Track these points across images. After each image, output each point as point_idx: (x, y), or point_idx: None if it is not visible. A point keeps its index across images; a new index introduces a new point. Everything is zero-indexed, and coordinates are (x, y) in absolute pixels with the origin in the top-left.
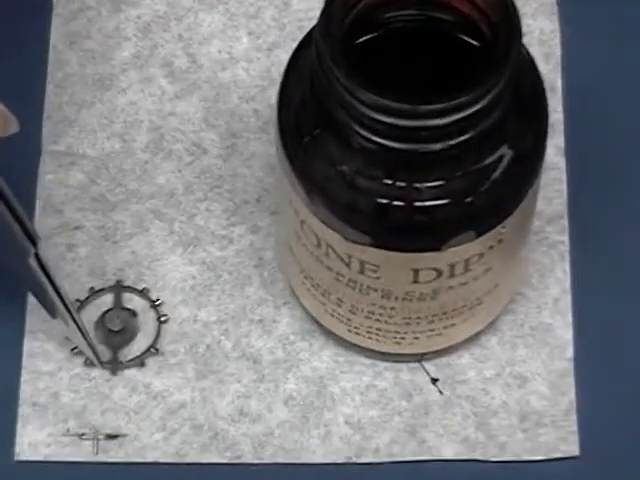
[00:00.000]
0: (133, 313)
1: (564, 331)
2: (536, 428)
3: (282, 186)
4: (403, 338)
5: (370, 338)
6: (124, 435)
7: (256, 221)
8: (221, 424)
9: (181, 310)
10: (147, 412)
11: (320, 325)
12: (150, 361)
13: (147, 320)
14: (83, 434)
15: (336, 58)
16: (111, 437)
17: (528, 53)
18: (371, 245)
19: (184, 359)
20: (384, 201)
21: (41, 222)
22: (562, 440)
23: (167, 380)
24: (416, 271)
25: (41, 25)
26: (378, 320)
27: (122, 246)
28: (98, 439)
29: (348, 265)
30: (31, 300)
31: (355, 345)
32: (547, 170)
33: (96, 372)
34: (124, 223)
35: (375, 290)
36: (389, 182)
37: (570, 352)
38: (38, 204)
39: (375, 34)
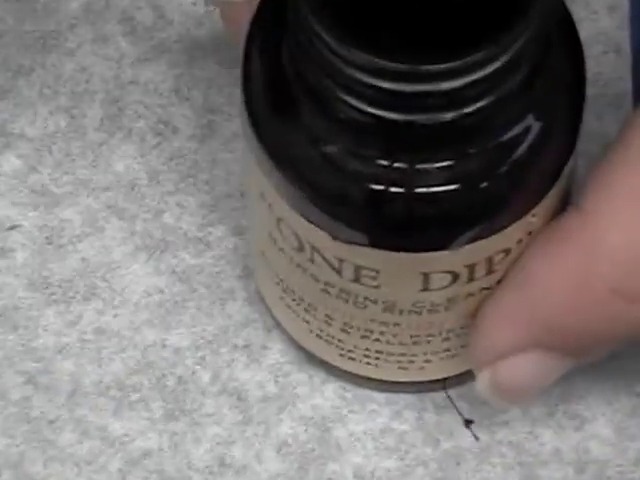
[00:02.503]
0: None
1: (632, 359)
2: None
3: (252, 176)
4: (411, 362)
5: (368, 364)
6: None
7: (240, 219)
8: (197, 478)
9: (145, 333)
10: (102, 462)
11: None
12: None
13: None
14: None
15: (316, 8)
16: None
17: None
18: (367, 245)
19: (149, 395)
20: (379, 187)
21: None
22: None
23: (127, 422)
24: (426, 275)
25: None
26: (378, 340)
27: (70, 251)
28: None
29: (339, 272)
30: None
31: (347, 372)
32: None
33: (36, 412)
34: (72, 222)
35: (374, 302)
36: (385, 163)
37: None
38: None
39: None
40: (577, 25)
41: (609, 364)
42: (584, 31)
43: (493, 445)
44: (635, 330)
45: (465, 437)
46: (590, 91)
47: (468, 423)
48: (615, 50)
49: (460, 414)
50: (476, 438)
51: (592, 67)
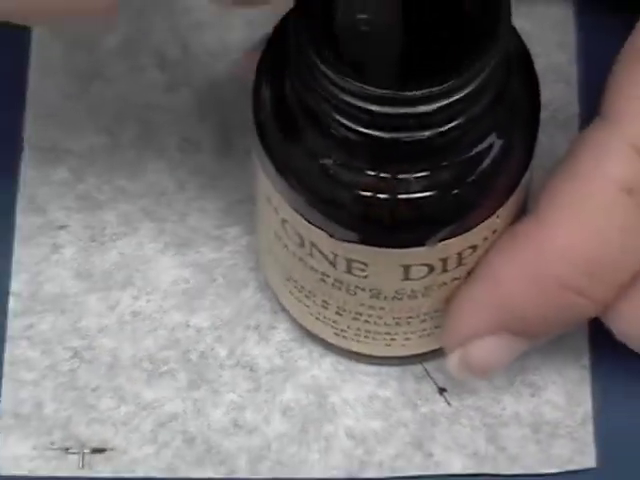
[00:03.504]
0: None
1: (579, 336)
2: (550, 440)
3: (261, 184)
4: (394, 339)
5: (358, 341)
6: (112, 449)
7: (251, 221)
8: (215, 437)
9: (173, 315)
10: (136, 424)
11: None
12: (138, 370)
13: None
14: (68, 448)
15: (315, 44)
16: (98, 451)
17: (514, 30)
18: (357, 242)
19: (175, 367)
20: (368, 194)
21: (23, 221)
22: (578, 452)
23: (158, 390)
24: (406, 267)
25: None
26: (367, 321)
27: (110, 247)
28: (84, 453)
29: (334, 264)
30: (12, 305)
31: (341, 349)
32: None
33: (81, 382)
34: (112, 223)
35: (363, 290)
36: (372, 173)
37: (586, 359)
38: (20, 202)
39: None
40: (533, 59)
41: (560, 342)
42: (539, 64)
43: (462, 409)
44: (582, 317)
45: (439, 403)
46: (544, 114)
47: (442, 391)
48: (565, 81)
49: (435, 383)
50: (448, 404)
51: (546, 94)
